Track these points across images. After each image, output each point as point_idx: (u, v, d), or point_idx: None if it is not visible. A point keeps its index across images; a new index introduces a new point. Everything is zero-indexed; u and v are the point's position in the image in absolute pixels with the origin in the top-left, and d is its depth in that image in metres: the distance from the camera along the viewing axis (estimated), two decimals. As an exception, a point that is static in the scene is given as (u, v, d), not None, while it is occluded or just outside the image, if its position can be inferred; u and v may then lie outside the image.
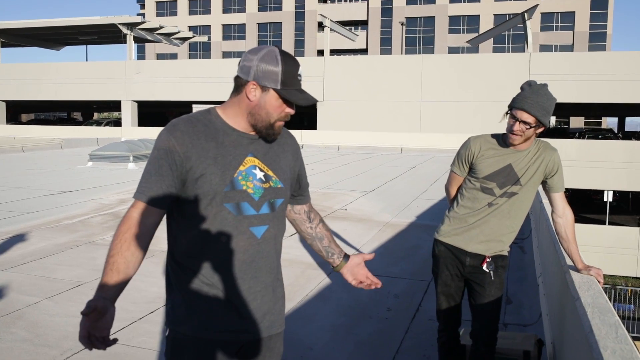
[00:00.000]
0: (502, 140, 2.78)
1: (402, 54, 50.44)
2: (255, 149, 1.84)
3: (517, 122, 2.62)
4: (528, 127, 2.60)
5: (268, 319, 1.90)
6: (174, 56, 62.05)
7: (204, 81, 28.83)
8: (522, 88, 2.65)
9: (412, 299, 4.85)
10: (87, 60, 49.48)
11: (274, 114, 1.79)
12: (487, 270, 2.80)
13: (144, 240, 1.75)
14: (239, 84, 1.79)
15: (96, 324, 1.62)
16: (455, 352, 3.00)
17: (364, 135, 23.61)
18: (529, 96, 2.59)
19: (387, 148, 22.15)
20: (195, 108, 13.29)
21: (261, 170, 1.84)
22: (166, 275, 1.89)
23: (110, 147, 14.93)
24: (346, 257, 2.12)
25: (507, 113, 2.70)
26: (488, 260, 2.81)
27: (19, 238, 6.52)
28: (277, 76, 1.74)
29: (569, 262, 2.85)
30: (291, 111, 1.81)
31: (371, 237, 7.02)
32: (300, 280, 5.26)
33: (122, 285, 1.71)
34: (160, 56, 64.20)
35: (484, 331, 2.83)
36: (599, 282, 2.58)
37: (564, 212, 2.81)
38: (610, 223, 25.06)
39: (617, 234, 21.80)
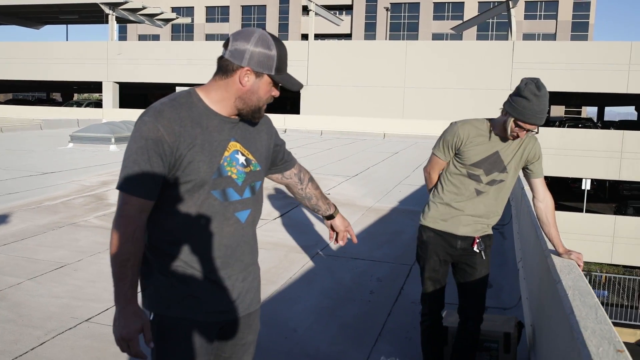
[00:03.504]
0: (489, 126, 2.80)
1: (386, 39, 50.35)
2: (237, 133, 1.84)
3: (523, 130, 2.65)
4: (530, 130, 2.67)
5: (248, 298, 1.94)
6: (156, 37, 61.22)
7: (187, 63, 28.53)
8: (526, 97, 2.56)
9: (395, 282, 4.91)
10: (67, 39, 48.62)
11: (263, 98, 1.79)
12: (477, 251, 2.88)
13: (143, 233, 1.76)
14: (230, 69, 1.75)
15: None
16: (437, 335, 3.06)
17: (346, 121, 23.61)
18: (538, 110, 2.57)
19: (369, 133, 22.20)
20: (179, 90, 13.16)
21: (242, 154, 1.84)
22: (144, 259, 1.82)
23: (91, 129, 14.76)
24: (330, 216, 2.27)
25: (506, 113, 2.66)
26: (478, 241, 2.89)
27: (-1, 219, 6.46)
28: (272, 62, 1.74)
29: (550, 246, 2.91)
30: (277, 93, 1.82)
31: (354, 222, 7.06)
32: (284, 263, 5.29)
33: (137, 281, 1.78)
34: (142, 37, 63.31)
35: (474, 309, 2.93)
36: (579, 265, 2.65)
37: (544, 197, 2.88)
38: (587, 211, 25.47)
39: (593, 222, 22.17)
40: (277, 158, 2.09)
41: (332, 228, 2.30)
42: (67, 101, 44.33)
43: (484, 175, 2.80)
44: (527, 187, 5.30)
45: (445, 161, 2.89)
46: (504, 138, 2.77)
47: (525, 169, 2.89)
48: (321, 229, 6.62)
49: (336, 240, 2.30)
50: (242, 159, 1.83)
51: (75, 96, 58.49)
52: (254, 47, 1.72)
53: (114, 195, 8.12)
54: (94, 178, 9.64)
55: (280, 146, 2.09)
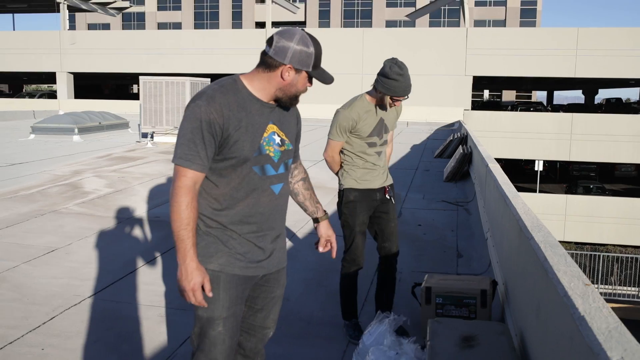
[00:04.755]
0: (369, 101, 3.40)
1: (340, 27, 50.69)
2: (274, 117, 2.12)
3: (399, 100, 3.33)
4: None
5: (277, 257, 2.23)
6: (106, 27, 59.93)
7: (144, 52, 28.26)
8: (394, 79, 3.19)
9: (373, 255, 5.20)
10: (14, 29, 47.15)
11: (300, 90, 2.09)
12: (388, 197, 3.55)
13: (197, 201, 2.01)
14: (273, 64, 2.00)
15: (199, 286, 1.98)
16: (356, 284, 3.66)
17: (307, 108, 23.85)
18: (406, 85, 3.23)
19: (330, 120, 22.48)
20: (142, 80, 13.21)
21: (278, 135, 2.14)
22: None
23: (53, 120, 14.61)
24: (316, 220, 2.45)
25: (381, 92, 3.28)
26: (388, 189, 3.57)
27: (-21, 208, 6.52)
28: (310, 60, 2.02)
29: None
30: (311, 85, 2.11)
31: (328, 202, 7.38)
32: (267, 241, 5.57)
33: (195, 242, 2.02)
34: (91, 26, 61.85)
35: (393, 245, 3.63)
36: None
37: (389, 144, 3.69)
38: (540, 191, 26.50)
39: (546, 201, 23.12)
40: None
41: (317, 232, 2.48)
42: (16, 93, 43.13)
43: (378, 139, 3.45)
44: (492, 165, 5.72)
45: (342, 142, 3.46)
46: (383, 106, 3.40)
47: None
48: (295, 210, 6.91)
49: (316, 246, 2.46)
50: (277, 139, 2.12)
51: (24, 87, 56.84)
52: (296, 46, 1.99)
53: (89, 184, 8.23)
54: (65, 168, 9.67)
55: (297, 139, 2.33)
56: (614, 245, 22.82)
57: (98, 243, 5.36)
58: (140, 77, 13.24)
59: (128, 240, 5.50)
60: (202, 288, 2.01)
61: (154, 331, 3.56)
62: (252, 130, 2.04)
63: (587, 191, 27.40)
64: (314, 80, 2.12)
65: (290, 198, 2.32)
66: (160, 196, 7.54)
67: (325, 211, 2.48)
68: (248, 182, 2.07)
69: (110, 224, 6.06)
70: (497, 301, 3.72)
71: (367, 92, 3.44)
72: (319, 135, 17.32)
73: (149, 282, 4.41)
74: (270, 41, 2.03)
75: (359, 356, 3.02)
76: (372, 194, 3.51)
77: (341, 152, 3.53)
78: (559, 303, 1.94)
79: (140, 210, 6.72)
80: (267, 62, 2.03)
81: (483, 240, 5.48)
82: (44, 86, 57.98)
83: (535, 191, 26.16)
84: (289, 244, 5.49)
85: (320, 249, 2.46)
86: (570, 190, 28.03)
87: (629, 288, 18.38)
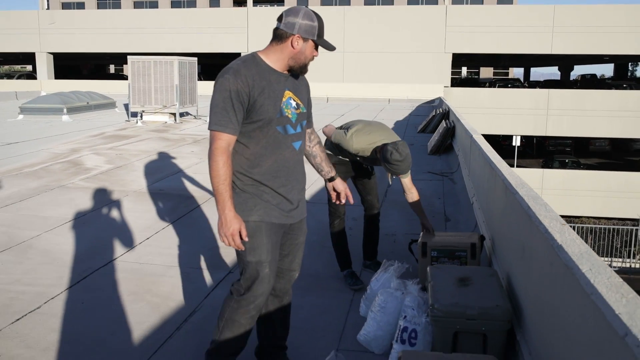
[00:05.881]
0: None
1: (320, 5, 50.58)
2: (289, 84, 2.50)
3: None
4: None
5: (302, 206, 2.64)
6: (80, 6, 59.02)
7: (124, 32, 28.18)
8: (395, 164, 3.67)
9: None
10: (-12, 9, 46.17)
11: (309, 57, 2.47)
12: (365, 166, 4.17)
13: (231, 160, 2.37)
14: (284, 36, 2.38)
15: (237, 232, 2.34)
16: (345, 235, 4.26)
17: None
18: (405, 166, 3.74)
19: (314, 97, 22.80)
20: (131, 60, 13.41)
21: (294, 100, 2.52)
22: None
23: (41, 100, 14.73)
24: (332, 179, 2.94)
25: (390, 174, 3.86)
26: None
27: (-12, 184, 6.80)
28: (315, 30, 2.40)
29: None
30: (317, 54, 2.49)
31: (319, 177, 7.78)
32: (268, 210, 5.97)
33: (232, 195, 2.36)
34: (65, 5, 60.87)
35: (376, 200, 4.32)
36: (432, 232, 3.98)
37: (411, 190, 4.02)
38: (517, 166, 27.20)
39: (523, 176, 23.55)
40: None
41: (333, 189, 2.96)
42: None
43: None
44: (475, 136, 6.16)
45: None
46: (377, 160, 3.94)
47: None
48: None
49: (338, 199, 2.97)
50: (294, 103, 2.51)
51: (-1, 68, 55.98)
52: (302, 20, 2.37)
53: (89, 161, 8.53)
54: (62, 146, 9.93)
55: (309, 106, 2.72)
56: (588, 217, 23.62)
57: (110, 214, 5.71)
58: (128, 56, 13.42)
59: (138, 211, 5.86)
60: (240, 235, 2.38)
61: (179, 286, 3.96)
62: (273, 96, 2.41)
63: (563, 165, 28.19)
64: (319, 50, 2.48)
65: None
66: (160, 171, 7.88)
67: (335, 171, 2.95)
68: (274, 140, 2.44)
69: (117, 197, 6.40)
70: (485, 254, 4.17)
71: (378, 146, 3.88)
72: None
73: (166, 246, 4.79)
74: (280, 18, 2.43)
75: (367, 300, 3.45)
76: (350, 162, 4.10)
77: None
78: (541, 239, 2.38)
79: (144, 184, 7.07)
80: (278, 35, 2.41)
81: (468, 205, 5.94)
82: (17, 67, 57.27)
83: (512, 166, 26.83)
84: (290, 211, 5.90)
85: (343, 201, 2.96)
86: (547, 164, 28.80)
87: (602, 258, 19.19)
